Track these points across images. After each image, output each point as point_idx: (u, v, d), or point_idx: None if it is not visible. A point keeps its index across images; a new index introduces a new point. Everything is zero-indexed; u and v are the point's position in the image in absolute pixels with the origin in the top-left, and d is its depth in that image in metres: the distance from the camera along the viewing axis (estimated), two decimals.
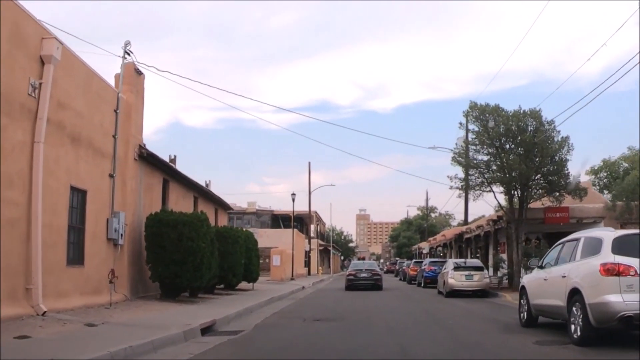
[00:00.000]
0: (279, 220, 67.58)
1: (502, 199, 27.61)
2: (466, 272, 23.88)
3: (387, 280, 48.33)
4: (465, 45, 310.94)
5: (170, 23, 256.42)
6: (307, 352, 9.20)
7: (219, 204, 31.16)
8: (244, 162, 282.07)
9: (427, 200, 75.26)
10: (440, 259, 36.99)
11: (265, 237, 49.92)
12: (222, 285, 22.79)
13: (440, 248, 49.72)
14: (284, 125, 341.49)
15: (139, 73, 18.32)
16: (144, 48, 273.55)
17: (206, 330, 12.01)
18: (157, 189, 20.20)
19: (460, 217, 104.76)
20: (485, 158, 25.77)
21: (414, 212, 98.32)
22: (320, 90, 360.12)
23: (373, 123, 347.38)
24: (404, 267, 46.77)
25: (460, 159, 25.23)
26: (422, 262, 38.03)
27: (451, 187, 26.11)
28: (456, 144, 26.23)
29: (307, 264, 57.34)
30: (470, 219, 55.60)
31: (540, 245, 25.08)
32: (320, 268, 57.53)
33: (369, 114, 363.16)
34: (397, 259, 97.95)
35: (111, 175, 15.97)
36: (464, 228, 36.40)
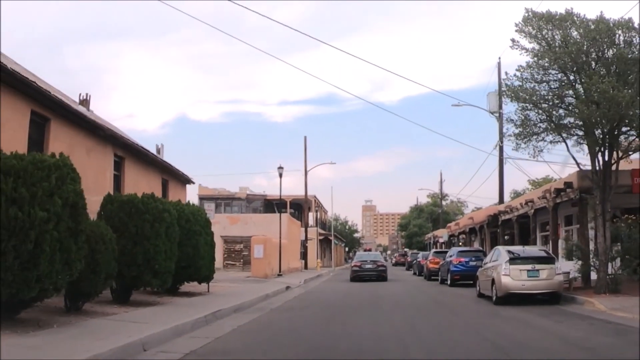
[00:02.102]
0: (273, 207, 59.06)
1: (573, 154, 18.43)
2: (528, 266, 15.42)
3: (398, 275, 39.96)
4: (472, 36, 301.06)
5: (176, 18, 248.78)
6: None
7: (171, 174, 22.77)
8: (251, 156, 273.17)
9: (441, 182, 66.44)
10: (472, 249, 28.55)
11: (251, 225, 41.65)
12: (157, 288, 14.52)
13: (463, 236, 41.09)
14: (290, 119, 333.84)
15: None
16: (150, 44, 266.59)
17: None
18: (17, 127, 11.78)
19: (477, 202, 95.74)
20: (547, 94, 17.01)
21: (424, 200, 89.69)
22: (326, 83, 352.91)
23: (379, 115, 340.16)
24: (419, 259, 38.19)
25: (522, 93, 16.25)
26: (445, 252, 29.54)
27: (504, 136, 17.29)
28: (506, 73, 17.43)
29: (304, 256, 48.91)
30: (481, 205, 46.35)
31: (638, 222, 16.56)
32: (318, 261, 49.06)
33: (375, 105, 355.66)
34: (406, 249, 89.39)
35: None
36: (501, 207, 27.81)
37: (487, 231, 30.22)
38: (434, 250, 34.62)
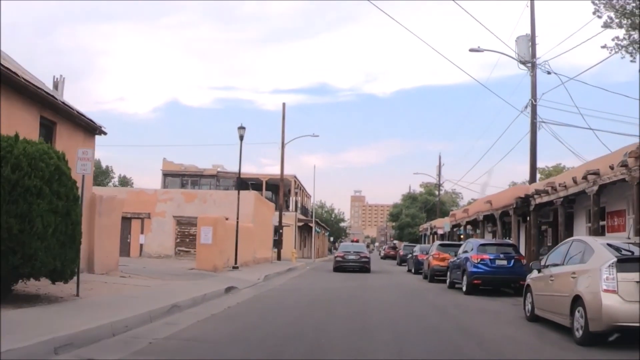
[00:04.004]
0: (247, 187, 51.60)
1: None
2: None
3: (390, 271, 32.44)
4: (467, 30, 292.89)
5: (169, 2, 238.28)
6: None
7: (62, 114, 15.17)
8: (240, 142, 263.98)
9: (439, 166, 58.70)
10: (499, 241, 21.11)
11: (211, 203, 34.19)
12: None
13: (470, 227, 33.73)
14: (280, 107, 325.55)
15: None
16: (144, 28, 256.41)
17: None
18: None
19: (473, 193, 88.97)
20: None
21: (417, 189, 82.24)
22: (319, 73, 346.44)
23: (372, 106, 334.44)
24: (415, 254, 30.84)
25: None
26: (456, 245, 22.22)
27: (613, 46, 9.80)
28: None
29: (278, 244, 41.45)
30: (474, 197, 39.26)
31: None
32: (294, 251, 41.59)
33: (368, 97, 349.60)
34: (395, 241, 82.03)
35: None
36: (539, 185, 20.42)
37: (515, 219, 22.76)
38: (438, 242, 27.10)
